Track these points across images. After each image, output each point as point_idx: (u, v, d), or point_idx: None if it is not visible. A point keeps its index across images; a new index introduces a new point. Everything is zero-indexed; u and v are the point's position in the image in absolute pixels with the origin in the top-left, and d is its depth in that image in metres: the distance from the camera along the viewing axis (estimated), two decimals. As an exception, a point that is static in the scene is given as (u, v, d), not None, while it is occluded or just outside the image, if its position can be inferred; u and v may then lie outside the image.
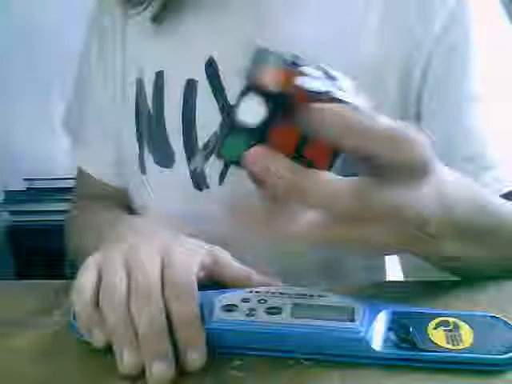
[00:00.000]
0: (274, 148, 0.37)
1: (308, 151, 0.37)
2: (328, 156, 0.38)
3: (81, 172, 0.80)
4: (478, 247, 0.48)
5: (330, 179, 0.37)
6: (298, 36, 0.63)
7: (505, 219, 0.51)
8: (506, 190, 0.59)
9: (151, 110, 0.69)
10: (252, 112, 0.36)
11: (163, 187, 0.69)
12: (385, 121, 0.36)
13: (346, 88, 0.38)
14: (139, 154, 0.71)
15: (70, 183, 0.89)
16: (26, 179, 1.70)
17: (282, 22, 0.65)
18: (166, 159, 0.68)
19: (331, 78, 0.38)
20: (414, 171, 0.38)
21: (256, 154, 0.36)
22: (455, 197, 0.43)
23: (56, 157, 1.64)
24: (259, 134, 0.37)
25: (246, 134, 0.37)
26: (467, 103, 0.62)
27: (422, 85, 0.63)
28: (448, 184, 0.42)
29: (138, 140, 0.71)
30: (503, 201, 0.53)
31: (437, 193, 0.40)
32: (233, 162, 0.38)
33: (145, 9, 0.69)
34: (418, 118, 0.64)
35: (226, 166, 0.37)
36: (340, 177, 0.37)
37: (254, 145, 0.37)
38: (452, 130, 0.62)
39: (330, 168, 0.38)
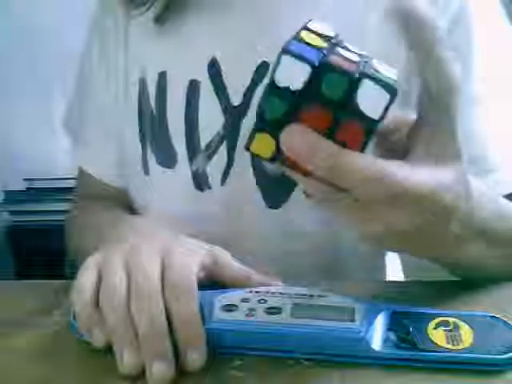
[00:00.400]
0: None
1: (340, 134, 0.38)
2: (360, 139, 0.38)
3: (81, 172, 0.80)
4: (495, 252, 0.49)
5: (367, 161, 0.37)
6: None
7: None
8: (507, 192, 0.59)
9: (154, 111, 0.69)
10: (292, 76, 0.37)
11: (165, 187, 0.69)
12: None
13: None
14: (142, 155, 0.71)
15: (70, 183, 0.89)
16: (25, 179, 1.70)
17: (284, 23, 0.64)
18: (168, 160, 0.68)
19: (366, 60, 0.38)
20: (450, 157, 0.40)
21: (294, 130, 0.36)
22: (479, 200, 0.45)
23: (56, 157, 1.64)
24: (298, 99, 0.37)
25: (287, 95, 0.37)
26: (469, 106, 0.62)
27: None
28: (473, 188, 0.43)
29: (140, 140, 0.71)
30: None
31: (464, 192, 0.41)
32: (272, 121, 0.37)
33: (147, 9, 0.69)
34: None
35: (262, 130, 0.37)
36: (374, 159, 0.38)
37: (292, 112, 0.37)
38: None
39: (362, 151, 0.38)
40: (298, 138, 0.37)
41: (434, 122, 0.41)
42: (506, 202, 0.53)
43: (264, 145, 0.38)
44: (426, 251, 0.45)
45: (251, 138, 0.39)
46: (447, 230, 0.42)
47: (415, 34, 0.38)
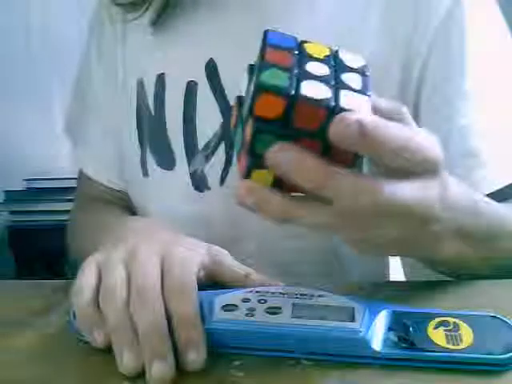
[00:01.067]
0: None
1: (333, 155, 0.37)
2: (351, 157, 0.38)
3: (82, 173, 0.80)
4: (477, 251, 0.50)
5: (354, 176, 0.37)
6: (302, 32, 0.63)
7: (504, 227, 0.53)
8: (494, 189, 0.60)
9: (152, 112, 0.69)
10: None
11: (164, 188, 0.69)
12: (397, 130, 0.37)
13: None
14: (141, 156, 0.71)
15: (70, 183, 0.89)
16: (25, 179, 1.70)
17: (282, 23, 0.65)
18: (167, 161, 0.68)
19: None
20: (426, 171, 0.40)
21: (281, 149, 0.36)
22: (458, 198, 0.45)
23: (56, 157, 1.64)
24: (283, 129, 0.36)
25: (272, 128, 0.36)
26: (460, 101, 0.62)
27: (420, 84, 0.63)
28: (451, 187, 0.43)
29: (139, 142, 0.71)
30: (504, 209, 0.55)
31: (442, 192, 0.42)
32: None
33: (143, 13, 0.69)
34: (415, 118, 0.64)
35: (257, 166, 0.37)
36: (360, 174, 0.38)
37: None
38: (447, 127, 0.62)
39: (354, 165, 0.38)
40: (284, 156, 0.37)
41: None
42: (483, 200, 0.54)
43: (262, 178, 0.39)
44: (407, 252, 0.47)
45: (248, 173, 0.39)
46: (429, 232, 0.42)
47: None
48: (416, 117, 0.64)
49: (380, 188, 0.38)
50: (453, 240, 0.46)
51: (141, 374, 0.41)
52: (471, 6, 0.64)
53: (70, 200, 0.86)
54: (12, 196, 1.71)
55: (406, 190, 0.39)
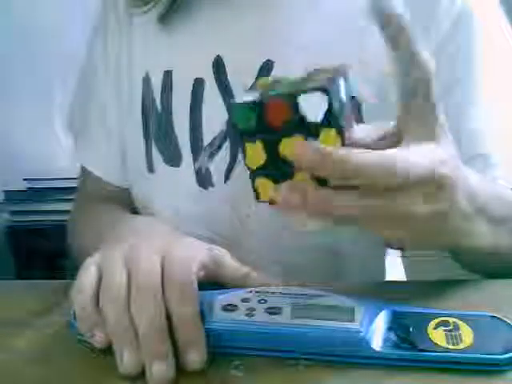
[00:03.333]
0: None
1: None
2: (337, 142, 0.39)
3: (83, 171, 0.80)
4: (495, 230, 0.51)
5: (370, 152, 0.38)
6: (304, 35, 0.63)
7: None
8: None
9: (159, 109, 0.69)
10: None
11: (169, 185, 0.69)
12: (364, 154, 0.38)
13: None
14: (146, 153, 0.71)
15: (70, 183, 0.89)
16: (25, 179, 1.70)
17: (288, 21, 0.65)
18: (174, 158, 0.68)
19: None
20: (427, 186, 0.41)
21: (303, 145, 0.38)
22: (477, 181, 0.47)
23: (56, 157, 1.64)
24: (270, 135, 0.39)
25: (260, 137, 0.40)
26: (469, 105, 0.62)
27: None
28: (469, 176, 0.46)
29: (144, 139, 0.71)
30: None
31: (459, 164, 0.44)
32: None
33: (150, 9, 0.69)
34: None
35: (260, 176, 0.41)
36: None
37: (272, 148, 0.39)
38: (456, 131, 0.62)
39: None
40: (307, 152, 0.38)
41: (417, 111, 0.42)
42: (500, 184, 0.56)
43: (265, 188, 0.41)
44: (437, 238, 0.46)
45: (254, 187, 0.41)
46: (455, 209, 0.43)
47: (391, 31, 0.42)
48: None
49: (392, 156, 0.39)
50: (477, 220, 0.47)
51: (141, 374, 0.41)
52: (475, 6, 0.64)
53: (70, 200, 0.86)
54: (12, 196, 1.71)
55: (418, 155, 0.40)
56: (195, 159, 0.67)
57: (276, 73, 0.63)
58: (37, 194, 1.69)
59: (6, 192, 1.71)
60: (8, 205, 1.71)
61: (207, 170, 0.67)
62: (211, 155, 0.67)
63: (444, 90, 0.63)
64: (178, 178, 0.68)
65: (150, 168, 0.70)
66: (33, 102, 1.70)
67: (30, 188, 1.70)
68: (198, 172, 0.67)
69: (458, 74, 0.63)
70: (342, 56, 0.60)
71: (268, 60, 0.64)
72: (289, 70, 0.62)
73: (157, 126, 0.69)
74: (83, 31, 0.78)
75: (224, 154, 0.66)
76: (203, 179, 0.67)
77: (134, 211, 0.75)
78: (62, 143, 1.60)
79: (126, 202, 0.76)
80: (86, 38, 0.78)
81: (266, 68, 0.64)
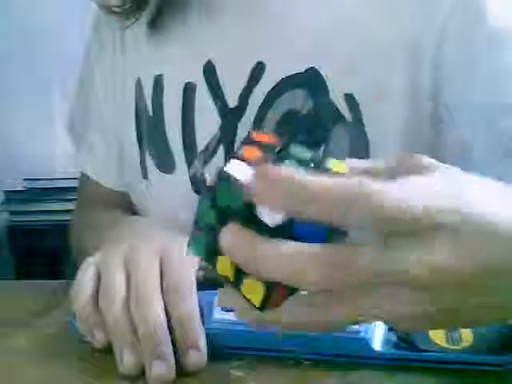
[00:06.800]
0: None
1: None
2: None
3: (83, 176, 0.80)
4: None
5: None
6: (301, 30, 0.63)
7: None
8: None
9: (151, 114, 0.69)
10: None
11: (164, 191, 0.69)
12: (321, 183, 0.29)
13: None
14: (140, 158, 0.71)
15: (70, 183, 0.89)
16: (25, 179, 1.70)
17: (282, 19, 0.64)
18: (167, 164, 0.68)
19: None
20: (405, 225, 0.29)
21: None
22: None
23: (56, 157, 1.64)
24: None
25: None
26: (502, 75, 0.59)
27: (435, 70, 0.61)
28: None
29: (138, 144, 0.71)
30: None
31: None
32: None
33: (137, 20, 0.69)
34: (435, 101, 0.61)
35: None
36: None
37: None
38: (487, 103, 0.59)
39: None
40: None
41: None
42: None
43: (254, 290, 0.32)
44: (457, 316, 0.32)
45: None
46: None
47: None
48: (436, 102, 0.61)
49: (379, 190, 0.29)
50: None
51: (141, 374, 0.41)
52: None
53: (70, 200, 0.86)
54: (12, 196, 1.71)
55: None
56: (189, 165, 0.67)
57: (268, 75, 0.63)
58: (37, 193, 1.69)
59: (6, 192, 1.71)
60: (8, 205, 1.71)
61: (202, 175, 0.67)
62: (205, 160, 0.66)
63: (459, 68, 0.59)
64: (172, 184, 0.68)
65: (145, 174, 0.70)
66: (33, 102, 1.70)
67: (29, 188, 1.70)
68: (192, 177, 0.67)
69: (469, 52, 0.59)
70: (342, 44, 0.60)
71: (259, 62, 0.64)
72: (280, 71, 0.62)
73: (149, 131, 0.69)
74: (83, 31, 0.78)
75: (218, 159, 0.66)
76: (198, 184, 0.67)
77: (134, 213, 0.75)
78: (62, 143, 1.60)
79: (126, 205, 0.76)
80: (86, 38, 0.78)
81: (258, 70, 0.64)
